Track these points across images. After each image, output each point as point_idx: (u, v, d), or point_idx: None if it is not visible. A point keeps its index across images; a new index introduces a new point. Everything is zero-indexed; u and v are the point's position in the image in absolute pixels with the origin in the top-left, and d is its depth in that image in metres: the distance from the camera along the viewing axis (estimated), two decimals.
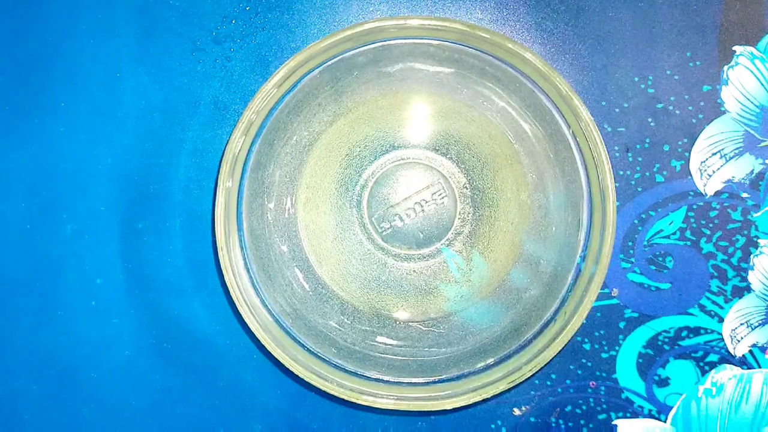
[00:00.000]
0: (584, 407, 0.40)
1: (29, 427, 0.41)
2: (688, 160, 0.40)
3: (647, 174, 0.40)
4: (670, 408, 0.40)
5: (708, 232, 0.40)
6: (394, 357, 0.37)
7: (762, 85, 0.40)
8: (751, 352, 0.40)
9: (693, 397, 0.40)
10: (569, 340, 0.35)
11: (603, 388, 0.40)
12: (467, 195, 0.39)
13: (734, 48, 0.40)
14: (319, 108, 0.38)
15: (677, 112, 0.40)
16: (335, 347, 0.37)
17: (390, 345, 0.38)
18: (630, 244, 0.40)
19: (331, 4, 0.40)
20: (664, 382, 0.40)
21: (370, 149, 0.39)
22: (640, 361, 0.40)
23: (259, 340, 0.35)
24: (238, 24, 0.40)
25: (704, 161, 0.40)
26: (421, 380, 0.36)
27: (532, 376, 0.35)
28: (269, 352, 0.35)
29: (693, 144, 0.40)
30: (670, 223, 0.40)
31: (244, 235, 0.36)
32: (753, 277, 0.40)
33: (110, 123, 0.41)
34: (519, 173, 0.38)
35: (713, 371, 0.40)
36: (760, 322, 0.40)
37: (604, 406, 0.40)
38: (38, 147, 0.41)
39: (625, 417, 0.40)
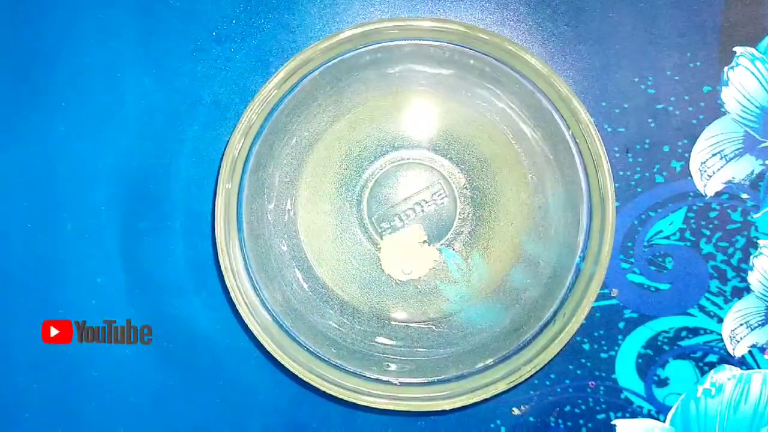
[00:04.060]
0: (583, 407, 0.40)
1: (30, 425, 0.42)
2: (688, 160, 0.40)
3: (647, 174, 0.40)
4: (669, 408, 0.40)
5: (708, 233, 0.40)
6: (394, 357, 0.37)
7: (762, 86, 0.39)
8: (750, 352, 0.40)
9: (692, 398, 0.40)
10: (569, 341, 0.35)
11: (602, 388, 0.40)
12: (467, 195, 0.39)
13: (735, 49, 0.40)
14: (319, 109, 0.38)
15: (677, 112, 0.40)
16: (335, 347, 0.37)
17: (389, 345, 0.38)
18: (630, 244, 0.40)
19: (332, 4, 0.40)
20: (663, 383, 0.40)
21: (370, 150, 0.39)
22: (640, 361, 0.40)
23: (258, 340, 0.35)
24: (239, 24, 0.40)
25: (704, 162, 0.40)
26: (420, 380, 0.36)
27: (531, 376, 0.35)
28: (269, 352, 0.35)
29: (693, 145, 0.40)
30: (670, 224, 0.40)
31: (244, 236, 0.36)
32: (752, 278, 0.40)
33: (111, 123, 0.41)
34: (519, 174, 0.38)
35: (712, 371, 0.40)
36: (760, 322, 0.40)
37: (604, 405, 0.41)
38: (39, 146, 0.41)
39: (624, 417, 0.41)
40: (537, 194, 0.38)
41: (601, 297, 0.40)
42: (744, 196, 0.40)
